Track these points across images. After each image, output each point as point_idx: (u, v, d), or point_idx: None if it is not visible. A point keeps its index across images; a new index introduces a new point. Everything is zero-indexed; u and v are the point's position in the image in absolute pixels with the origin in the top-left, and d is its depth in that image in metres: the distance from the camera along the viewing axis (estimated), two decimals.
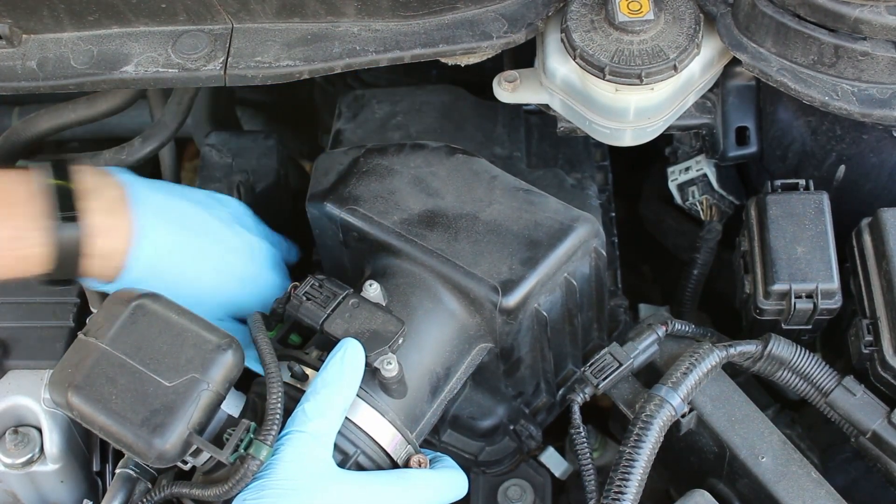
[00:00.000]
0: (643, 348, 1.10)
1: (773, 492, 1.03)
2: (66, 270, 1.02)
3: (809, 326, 1.14)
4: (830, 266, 1.11)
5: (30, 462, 1.16)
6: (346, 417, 0.99)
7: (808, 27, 1.03)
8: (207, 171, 1.38)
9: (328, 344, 1.01)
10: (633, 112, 1.11)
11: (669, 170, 1.39)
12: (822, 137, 1.21)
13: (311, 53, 1.10)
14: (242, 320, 1.12)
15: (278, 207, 1.38)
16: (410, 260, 1.09)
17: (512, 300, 1.05)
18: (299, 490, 0.93)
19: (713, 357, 1.07)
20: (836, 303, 1.12)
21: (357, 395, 0.99)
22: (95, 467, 1.21)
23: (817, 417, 1.14)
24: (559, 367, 1.22)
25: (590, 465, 1.07)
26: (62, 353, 0.98)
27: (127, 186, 1.06)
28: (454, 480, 1.04)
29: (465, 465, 1.16)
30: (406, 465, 1.04)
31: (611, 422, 1.31)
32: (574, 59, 1.07)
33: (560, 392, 1.26)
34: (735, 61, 1.11)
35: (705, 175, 1.35)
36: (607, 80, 1.05)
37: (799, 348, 1.09)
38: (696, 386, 1.06)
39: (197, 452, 0.94)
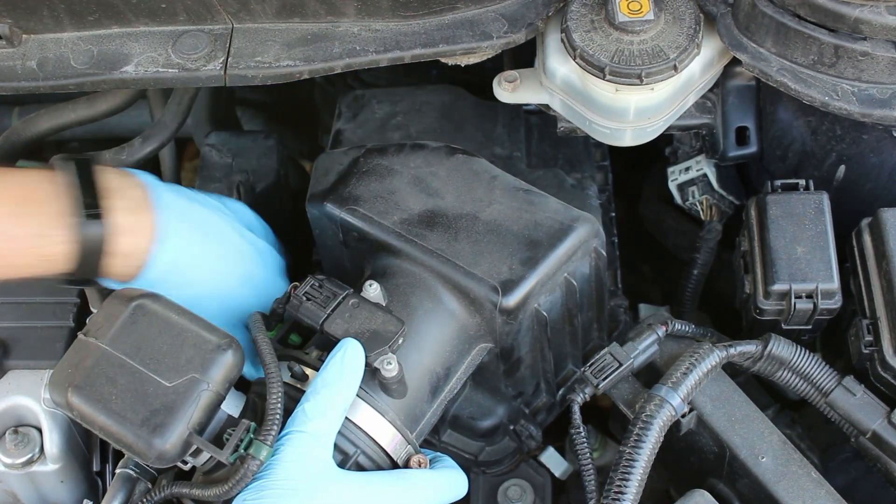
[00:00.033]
0: (643, 348, 1.10)
1: (773, 492, 1.03)
2: (87, 269, 1.01)
3: (809, 326, 1.14)
4: (830, 266, 1.11)
5: (30, 462, 1.16)
6: (346, 417, 0.99)
7: (808, 27, 1.03)
8: (207, 171, 1.38)
9: (328, 344, 1.01)
10: (633, 112, 1.11)
11: (669, 170, 1.39)
12: (822, 137, 1.21)
13: (311, 53, 1.10)
14: None
15: (278, 207, 1.38)
16: (410, 260, 1.09)
17: (512, 300, 1.05)
18: (299, 490, 0.93)
19: (713, 357, 1.07)
20: (836, 303, 1.12)
21: (357, 395, 0.99)
22: (95, 467, 1.21)
23: (817, 417, 1.14)
24: (559, 367, 1.22)
25: (590, 465, 1.07)
26: (62, 353, 0.98)
27: (149, 187, 1.06)
28: (454, 480, 1.04)
29: (465, 465, 1.16)
30: (406, 465, 1.04)
31: (611, 422, 1.31)
32: (574, 59, 1.07)
33: (560, 392, 1.26)
34: (735, 61, 1.11)
35: (705, 175, 1.35)
36: (607, 80, 1.05)
37: (799, 348, 1.09)
38: (696, 386, 1.06)
39: (197, 452, 0.94)
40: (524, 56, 1.21)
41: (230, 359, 0.93)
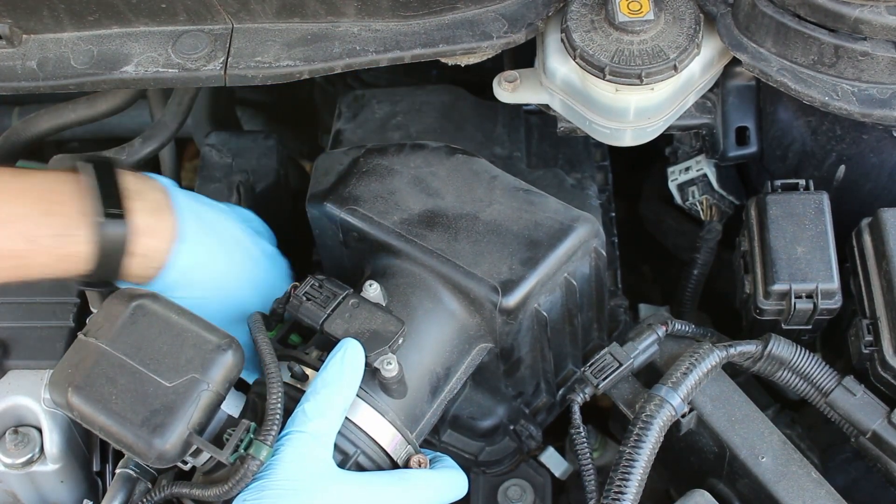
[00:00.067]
0: (643, 348, 1.10)
1: (773, 492, 1.03)
2: (106, 270, 1.01)
3: (809, 326, 1.14)
4: (830, 266, 1.11)
5: (30, 462, 1.16)
6: (346, 417, 0.99)
7: (808, 27, 1.03)
8: (207, 171, 1.38)
9: (328, 344, 1.01)
10: (633, 112, 1.11)
11: (669, 170, 1.39)
12: (822, 137, 1.21)
13: (311, 53, 1.10)
14: None
15: (278, 207, 1.39)
16: (410, 260, 1.09)
17: (512, 300, 1.05)
18: (299, 490, 0.93)
19: (713, 357, 1.07)
20: (836, 303, 1.12)
21: (357, 395, 0.99)
22: (95, 467, 1.21)
23: (817, 417, 1.14)
24: (559, 367, 1.22)
25: (590, 465, 1.07)
26: (62, 353, 0.98)
27: (168, 190, 1.07)
28: (454, 480, 1.04)
29: (465, 465, 1.16)
30: (406, 465, 1.04)
31: (611, 422, 1.31)
32: (574, 59, 1.07)
33: (560, 392, 1.26)
34: (735, 61, 1.11)
35: (705, 175, 1.35)
36: (607, 80, 1.05)
37: (799, 348, 1.09)
38: (696, 386, 1.06)
39: (197, 452, 0.94)
40: (524, 56, 1.21)
41: (230, 359, 0.94)
